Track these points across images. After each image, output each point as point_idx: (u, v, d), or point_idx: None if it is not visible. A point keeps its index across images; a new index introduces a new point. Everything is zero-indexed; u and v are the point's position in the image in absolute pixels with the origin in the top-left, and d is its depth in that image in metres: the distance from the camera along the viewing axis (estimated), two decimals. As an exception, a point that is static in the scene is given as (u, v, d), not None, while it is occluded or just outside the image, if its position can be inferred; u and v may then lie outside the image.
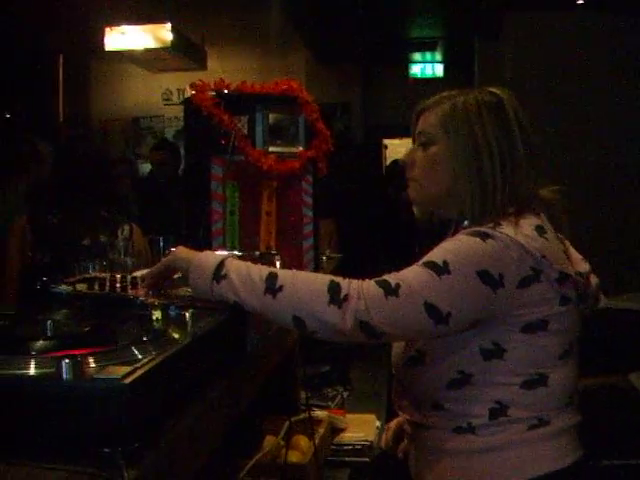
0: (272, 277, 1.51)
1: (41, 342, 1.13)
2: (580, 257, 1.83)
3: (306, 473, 2.15)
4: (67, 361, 0.93)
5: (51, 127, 7.68)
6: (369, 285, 1.52)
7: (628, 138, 5.57)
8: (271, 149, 2.64)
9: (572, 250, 1.82)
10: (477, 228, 1.64)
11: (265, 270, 1.53)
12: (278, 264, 1.99)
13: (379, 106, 10.97)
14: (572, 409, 1.79)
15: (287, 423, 2.28)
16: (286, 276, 1.52)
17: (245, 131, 2.61)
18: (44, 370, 0.97)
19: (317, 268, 2.76)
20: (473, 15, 7.46)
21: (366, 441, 2.72)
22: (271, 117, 2.67)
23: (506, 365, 1.66)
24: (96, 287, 1.59)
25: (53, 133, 7.34)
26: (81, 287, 1.58)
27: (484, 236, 1.60)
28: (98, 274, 1.78)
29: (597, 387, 3.44)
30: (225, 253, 1.63)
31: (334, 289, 1.49)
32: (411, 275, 1.55)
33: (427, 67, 10.95)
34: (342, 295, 1.48)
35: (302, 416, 2.39)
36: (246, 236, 2.61)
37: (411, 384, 1.81)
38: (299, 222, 2.69)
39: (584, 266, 1.79)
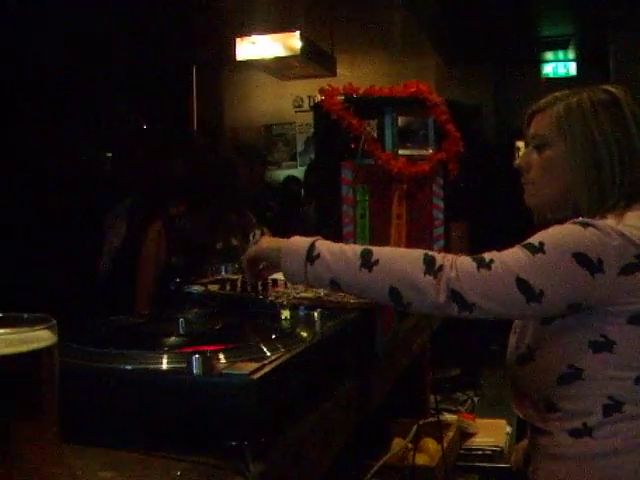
0: (367, 252, 1.53)
1: (173, 338, 1.17)
2: None
3: (434, 476, 2.13)
4: (197, 356, 0.95)
5: (186, 137, 7.89)
6: (463, 259, 1.53)
7: None
8: (401, 152, 2.64)
9: None
10: (581, 219, 1.62)
11: (358, 247, 1.56)
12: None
13: (511, 107, 10.78)
14: None
15: (416, 426, 2.26)
16: (381, 251, 1.54)
17: (374, 134, 2.62)
18: (175, 365, 1.00)
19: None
20: (606, 10, 7.24)
21: (496, 447, 2.68)
22: (400, 120, 2.68)
23: (617, 359, 1.61)
24: (227, 288, 1.62)
25: (188, 143, 7.55)
26: (213, 288, 1.62)
27: (585, 225, 1.57)
28: (230, 276, 1.81)
29: None
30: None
31: (429, 261, 1.50)
32: (506, 253, 1.55)
33: (560, 66, 10.69)
34: (437, 266, 1.49)
35: (431, 419, 2.37)
36: (376, 239, 2.61)
37: (524, 383, 1.79)
38: (430, 225, 2.68)
39: None
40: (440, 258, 1.51)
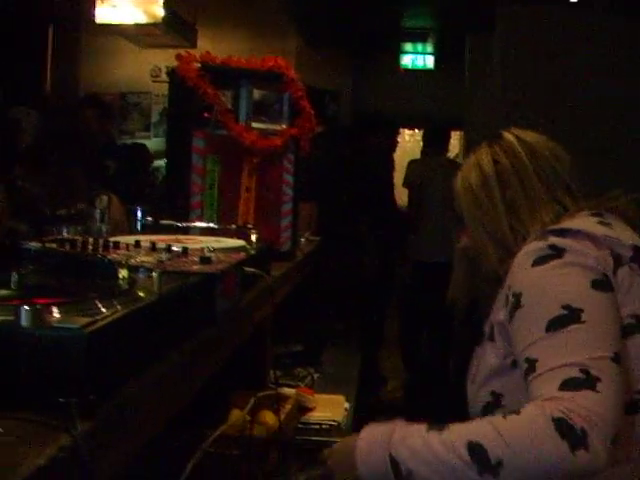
0: (474, 449, 1.30)
1: (3, 291, 1.12)
2: None
3: (270, 448, 2.15)
4: (27, 308, 0.92)
5: (38, 97, 7.62)
6: (578, 401, 1.28)
7: (623, 130, 5.59)
8: (254, 125, 2.63)
9: None
10: (539, 248, 1.52)
11: (453, 441, 1.33)
12: (254, 238, 1.99)
13: (369, 94, 10.96)
14: None
15: (254, 398, 2.27)
16: (493, 443, 1.30)
17: (229, 105, 2.60)
18: (3, 318, 0.96)
19: (294, 247, 2.76)
20: (465, 7, 7.46)
21: (334, 421, 2.73)
22: (256, 93, 2.67)
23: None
24: (66, 246, 1.57)
25: (40, 103, 7.28)
26: (51, 245, 1.57)
27: (555, 255, 1.49)
28: (71, 236, 1.76)
29: None
30: (380, 435, 1.46)
31: (563, 428, 1.26)
32: (563, 350, 1.36)
33: (418, 58, 10.96)
34: (577, 433, 1.25)
35: (269, 392, 2.39)
36: (224, 210, 2.60)
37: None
38: (278, 200, 2.69)
39: None
40: (573, 419, 1.26)
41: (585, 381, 1.29)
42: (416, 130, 10.86)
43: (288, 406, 2.45)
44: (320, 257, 3.55)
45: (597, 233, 1.51)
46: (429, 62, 10.98)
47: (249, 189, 2.60)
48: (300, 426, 2.66)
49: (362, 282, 5.10)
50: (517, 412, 1.33)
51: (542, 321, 1.40)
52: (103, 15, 7.38)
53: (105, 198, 3.47)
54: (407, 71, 10.99)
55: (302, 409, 2.74)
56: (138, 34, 7.85)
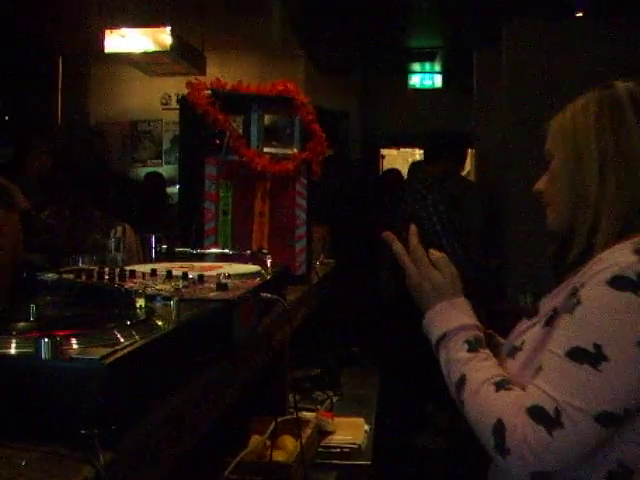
0: (461, 382, 1.54)
1: (22, 324, 1.12)
2: None
3: (291, 473, 2.14)
4: (46, 340, 0.92)
5: (49, 129, 7.68)
6: (528, 429, 1.34)
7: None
8: (265, 150, 2.64)
9: None
10: (623, 267, 1.38)
11: (465, 368, 1.55)
12: (269, 263, 1.99)
13: (377, 116, 10.99)
14: None
15: (274, 423, 2.27)
16: (469, 391, 1.52)
17: (240, 131, 2.61)
18: (23, 350, 0.96)
19: (309, 271, 2.76)
20: (471, 26, 7.49)
21: (354, 444, 2.71)
22: (266, 118, 2.68)
23: (637, 420, 1.40)
24: (83, 277, 1.58)
25: (51, 135, 7.34)
26: (68, 276, 1.58)
27: (636, 285, 1.35)
28: (86, 266, 1.77)
29: None
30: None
31: (499, 433, 1.38)
32: (562, 382, 1.35)
33: (426, 77, 10.99)
34: (505, 446, 1.36)
35: (289, 417, 2.38)
36: (238, 236, 2.60)
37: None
38: (292, 224, 2.69)
39: None
40: (510, 433, 1.36)
41: (548, 420, 1.32)
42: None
43: (309, 430, 2.44)
44: (335, 280, 3.54)
45: None
46: (437, 81, 11.01)
47: (262, 214, 2.61)
48: (321, 450, 2.65)
49: (378, 303, 5.09)
50: (509, 389, 1.46)
51: (571, 342, 1.38)
52: (112, 45, 7.45)
53: (120, 228, 3.49)
54: (415, 91, 11.02)
55: (322, 433, 2.73)
56: (147, 62, 7.91)
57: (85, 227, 3.40)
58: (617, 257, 1.41)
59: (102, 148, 5.32)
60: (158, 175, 7.69)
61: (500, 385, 1.47)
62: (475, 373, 1.53)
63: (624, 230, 1.48)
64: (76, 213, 3.54)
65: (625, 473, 1.40)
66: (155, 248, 2.27)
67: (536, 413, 1.34)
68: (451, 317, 1.64)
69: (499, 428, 1.37)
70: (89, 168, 3.92)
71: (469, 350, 1.57)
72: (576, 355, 1.34)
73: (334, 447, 2.68)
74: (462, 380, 1.53)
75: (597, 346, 1.32)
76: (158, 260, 2.18)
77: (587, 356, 1.32)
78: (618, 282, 1.36)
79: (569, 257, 1.55)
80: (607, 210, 1.48)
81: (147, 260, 2.24)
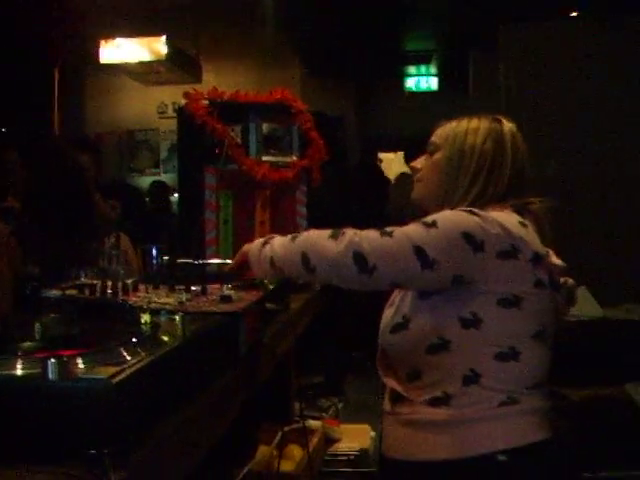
0: (293, 237, 1.80)
1: (28, 343, 1.12)
2: (560, 261, 1.96)
3: (299, 483, 2.14)
4: (53, 361, 0.91)
5: (45, 140, 7.66)
6: (368, 230, 1.72)
7: (628, 148, 5.57)
8: (265, 158, 2.63)
9: (554, 256, 1.95)
10: (465, 208, 1.83)
11: (290, 236, 1.81)
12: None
13: (374, 120, 10.98)
14: (542, 393, 1.88)
15: (280, 433, 2.26)
16: (302, 235, 1.80)
17: (239, 140, 2.61)
18: (30, 370, 0.95)
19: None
20: (467, 28, 7.48)
21: (361, 451, 2.71)
22: (265, 126, 2.67)
23: (482, 335, 1.78)
24: (86, 292, 1.57)
25: (47, 146, 7.31)
26: (71, 292, 1.57)
27: (470, 212, 1.78)
28: (89, 281, 1.76)
29: (593, 398, 3.42)
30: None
31: (335, 231, 1.73)
32: (405, 227, 1.73)
33: (422, 80, 10.98)
34: (340, 232, 1.72)
35: (296, 425, 2.37)
36: (240, 245, 2.59)
37: (394, 350, 1.93)
38: (293, 231, 2.67)
39: (560, 262, 1.93)
40: (345, 230, 1.72)
41: (385, 232, 1.71)
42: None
43: (315, 439, 2.43)
44: (337, 286, 3.53)
45: (512, 230, 1.78)
46: (433, 84, 10.99)
47: (263, 222, 2.60)
48: (328, 458, 2.65)
49: (380, 309, 5.06)
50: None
51: (419, 220, 1.77)
52: (107, 55, 7.45)
53: (114, 236, 3.47)
54: (412, 94, 11.00)
55: (329, 440, 2.72)
56: (143, 72, 7.91)
57: (78, 238, 3.35)
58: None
59: (84, 162, 5.18)
60: (163, 183, 7.68)
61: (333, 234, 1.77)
62: (312, 237, 1.79)
63: None
64: (69, 224, 3.49)
65: (474, 376, 1.77)
66: (156, 259, 2.26)
67: (380, 230, 1.72)
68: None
69: (338, 230, 1.73)
70: (60, 184, 3.82)
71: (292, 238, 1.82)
72: (419, 221, 1.75)
73: (341, 454, 2.68)
74: (294, 236, 1.80)
75: (434, 221, 1.73)
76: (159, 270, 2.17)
77: (426, 222, 1.73)
78: (458, 210, 1.81)
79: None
80: (460, 200, 1.91)
81: (147, 271, 2.23)
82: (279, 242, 1.82)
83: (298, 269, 1.75)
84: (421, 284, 1.78)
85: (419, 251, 1.68)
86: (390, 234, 1.71)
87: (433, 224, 1.73)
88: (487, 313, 1.78)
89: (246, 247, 1.91)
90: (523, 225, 1.83)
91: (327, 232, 1.75)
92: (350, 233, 1.71)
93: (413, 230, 1.72)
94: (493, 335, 1.79)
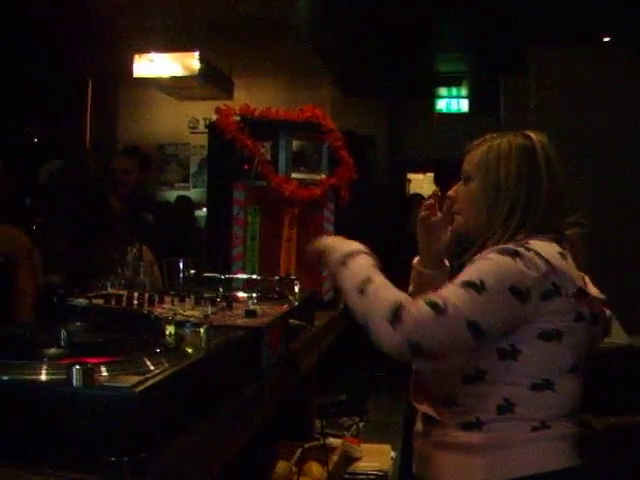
0: (368, 280, 1.76)
1: (54, 350, 1.13)
2: (598, 291, 1.96)
3: (318, 500, 2.13)
4: (77, 367, 0.92)
5: (78, 152, 7.74)
6: (421, 305, 1.68)
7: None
8: (294, 175, 2.65)
9: (590, 284, 1.96)
10: (506, 245, 1.81)
11: (371, 272, 1.79)
12: (297, 289, 1.99)
13: (404, 140, 10.99)
14: (573, 421, 1.89)
15: (300, 449, 2.26)
16: (375, 282, 1.76)
17: (268, 157, 2.63)
18: (55, 376, 0.96)
19: (337, 296, 2.75)
20: (498, 50, 7.48)
21: (380, 471, 2.70)
22: (295, 144, 2.69)
23: (518, 367, 1.79)
24: (112, 302, 1.59)
25: (80, 158, 7.39)
26: (98, 302, 1.58)
27: (514, 254, 1.76)
28: (115, 291, 1.78)
29: (617, 426, 3.39)
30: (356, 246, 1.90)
31: (395, 310, 1.67)
32: (454, 296, 1.70)
33: (452, 102, 10.98)
34: (399, 317, 1.66)
35: (316, 443, 2.37)
36: (266, 261, 2.61)
37: (430, 377, 1.95)
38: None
39: (600, 295, 1.95)
40: (406, 308, 1.67)
41: (438, 308, 1.66)
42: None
43: (335, 457, 2.42)
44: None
45: (555, 265, 1.78)
46: (463, 106, 10.99)
47: (290, 239, 2.61)
48: (347, 477, 2.64)
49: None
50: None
51: (463, 278, 1.75)
52: (141, 69, 7.51)
53: (136, 247, 3.48)
54: (442, 115, 11.01)
55: (349, 459, 2.71)
56: (175, 87, 7.97)
57: (98, 247, 3.37)
58: (500, 246, 1.84)
59: (134, 169, 5.15)
60: (187, 199, 7.72)
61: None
62: (382, 278, 1.79)
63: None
64: (91, 234, 3.50)
65: (509, 406, 1.79)
66: (183, 272, 2.27)
67: (430, 302, 1.68)
68: (357, 245, 1.92)
69: (398, 307, 1.67)
70: (78, 194, 3.81)
71: (376, 267, 1.83)
72: (466, 284, 1.72)
73: (360, 474, 2.66)
74: (369, 279, 1.77)
75: (482, 282, 1.71)
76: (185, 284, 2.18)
77: (474, 286, 1.71)
78: (502, 251, 1.79)
79: (467, 255, 1.93)
80: (499, 232, 1.90)
81: (173, 284, 2.24)
82: (352, 276, 1.80)
83: (360, 322, 1.76)
84: (473, 348, 1.77)
85: (473, 326, 1.68)
86: (444, 312, 1.66)
87: (482, 287, 1.70)
88: (527, 346, 1.79)
89: (330, 245, 1.92)
90: (563, 257, 1.83)
91: (386, 306, 1.69)
92: (406, 319, 1.66)
93: (464, 300, 1.69)
94: (530, 367, 1.80)
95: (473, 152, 2.01)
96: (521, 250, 1.77)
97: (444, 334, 1.68)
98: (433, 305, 1.67)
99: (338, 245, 1.91)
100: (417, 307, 1.68)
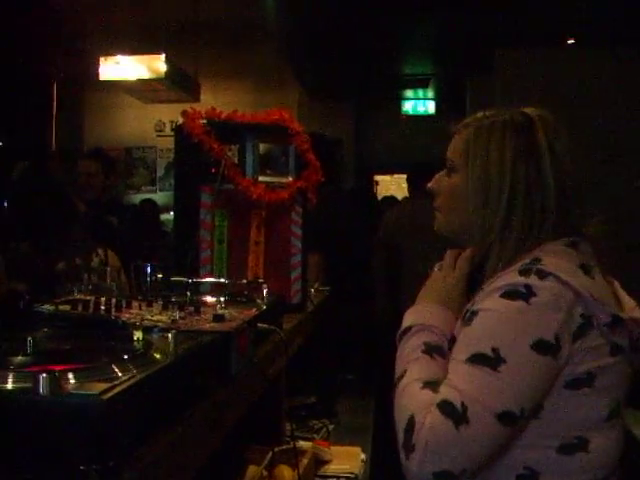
0: (400, 377, 1.51)
1: (20, 357, 1.12)
2: (633, 303, 1.61)
3: (288, 504, 2.13)
4: (44, 376, 0.91)
5: (41, 155, 7.68)
6: (438, 424, 1.35)
7: (624, 172, 5.60)
8: (261, 178, 2.64)
9: (622, 293, 1.61)
10: (513, 282, 1.46)
11: (411, 360, 1.52)
12: (265, 292, 1.99)
13: (371, 142, 11.03)
14: None
15: (270, 453, 2.25)
16: (401, 386, 1.49)
17: (235, 160, 2.62)
18: (21, 385, 0.95)
19: (304, 299, 2.75)
20: (464, 52, 7.54)
21: (351, 473, 2.70)
22: (261, 147, 2.68)
23: (542, 425, 1.46)
24: (80, 308, 1.57)
25: (45, 161, 7.33)
26: (64, 308, 1.57)
27: (525, 294, 1.43)
28: (82, 297, 1.76)
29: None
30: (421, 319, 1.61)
31: (409, 430, 1.38)
32: (467, 382, 1.39)
33: (419, 104, 11.04)
34: (411, 442, 1.36)
35: (286, 446, 2.36)
36: (234, 265, 2.60)
37: None
38: (287, 252, 2.69)
39: (638, 312, 1.57)
40: (418, 429, 1.36)
41: (456, 414, 1.35)
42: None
43: (305, 460, 2.42)
44: (331, 307, 3.54)
45: (580, 290, 1.45)
46: (430, 107, 11.06)
47: (258, 243, 2.61)
48: (317, 479, 2.64)
49: (373, 330, 5.07)
50: (433, 389, 1.42)
51: (470, 349, 1.43)
52: (106, 72, 7.47)
53: (102, 251, 3.47)
54: (409, 117, 11.07)
55: (319, 462, 2.71)
56: (141, 89, 7.93)
57: (62, 252, 3.34)
58: (506, 278, 1.48)
59: (98, 172, 5.12)
60: (152, 202, 7.70)
61: (427, 384, 1.45)
62: (415, 371, 1.49)
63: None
64: (55, 239, 3.48)
65: (532, 475, 1.47)
66: (150, 277, 2.26)
67: (445, 407, 1.36)
68: (425, 315, 1.61)
69: (410, 424, 1.38)
70: (75, 191, 3.82)
71: (423, 351, 1.53)
72: (477, 359, 1.40)
73: (331, 476, 2.67)
74: (401, 375, 1.50)
75: (495, 350, 1.39)
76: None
77: (487, 359, 1.39)
78: (508, 294, 1.44)
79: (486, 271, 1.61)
80: (497, 244, 1.58)
81: (140, 288, 2.23)
82: (398, 362, 1.54)
83: None
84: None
85: (504, 417, 1.35)
86: (465, 417, 1.33)
87: (497, 358, 1.38)
88: (550, 398, 1.45)
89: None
90: (587, 271, 1.49)
91: (402, 422, 1.39)
92: (420, 450, 1.34)
93: (481, 386, 1.36)
94: (556, 425, 1.47)
95: (459, 135, 1.67)
96: (534, 282, 1.43)
97: (474, 448, 1.34)
98: (449, 412, 1.34)
99: (406, 315, 1.63)
100: (432, 424, 1.34)
